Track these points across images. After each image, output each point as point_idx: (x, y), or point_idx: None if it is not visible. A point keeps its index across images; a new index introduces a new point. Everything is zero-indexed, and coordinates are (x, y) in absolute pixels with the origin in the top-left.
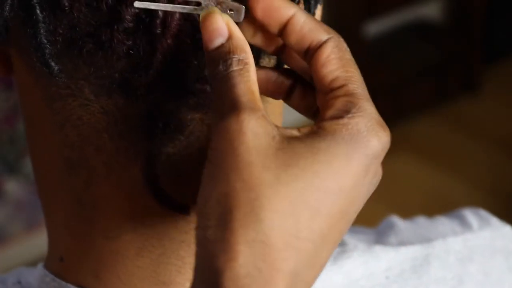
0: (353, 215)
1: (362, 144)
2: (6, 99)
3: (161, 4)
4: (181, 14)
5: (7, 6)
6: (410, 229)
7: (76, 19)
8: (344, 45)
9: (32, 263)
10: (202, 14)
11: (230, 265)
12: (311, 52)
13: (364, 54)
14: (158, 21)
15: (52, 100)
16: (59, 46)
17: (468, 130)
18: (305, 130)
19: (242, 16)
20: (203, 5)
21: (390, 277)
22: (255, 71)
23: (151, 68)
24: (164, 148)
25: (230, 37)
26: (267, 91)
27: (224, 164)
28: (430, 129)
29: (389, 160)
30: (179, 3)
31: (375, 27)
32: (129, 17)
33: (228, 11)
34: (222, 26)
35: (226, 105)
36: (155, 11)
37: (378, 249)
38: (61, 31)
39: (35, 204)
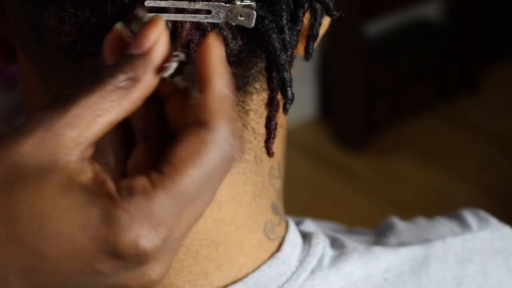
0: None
1: (111, 232)
2: (7, 100)
3: (172, 14)
4: (191, 23)
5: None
6: (410, 230)
7: (80, 22)
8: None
9: None
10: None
11: None
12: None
13: (364, 54)
14: (168, 32)
15: (55, 98)
16: (63, 47)
17: (468, 130)
18: (92, 176)
19: (253, 22)
20: (213, 13)
21: (388, 278)
22: (134, 103)
23: None
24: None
25: (145, 54)
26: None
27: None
28: (430, 129)
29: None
30: (189, 13)
31: (375, 27)
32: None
33: (239, 17)
34: (152, 39)
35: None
36: (165, 21)
37: (378, 250)
38: (65, 32)
39: None
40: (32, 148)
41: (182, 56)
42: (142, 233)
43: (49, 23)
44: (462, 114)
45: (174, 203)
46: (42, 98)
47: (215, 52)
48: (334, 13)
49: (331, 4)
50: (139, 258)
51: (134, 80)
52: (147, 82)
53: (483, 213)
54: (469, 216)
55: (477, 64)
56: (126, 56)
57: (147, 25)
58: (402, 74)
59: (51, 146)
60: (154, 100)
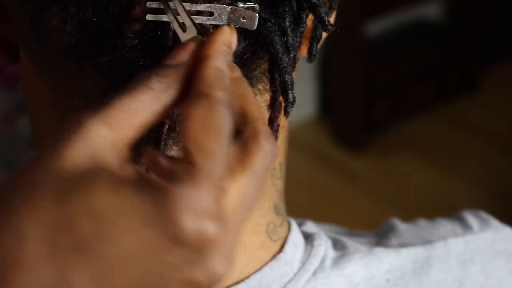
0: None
1: (171, 219)
2: (7, 100)
3: (174, 15)
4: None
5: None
6: (411, 231)
7: (82, 23)
8: (224, 110)
9: None
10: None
11: None
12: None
13: (364, 54)
14: (170, 34)
15: (57, 98)
16: (64, 47)
17: (468, 130)
18: (135, 172)
19: (256, 24)
20: (215, 14)
21: (390, 279)
22: (165, 108)
23: None
24: (169, 151)
25: (178, 66)
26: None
27: (43, 147)
28: (430, 129)
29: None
30: (192, 14)
31: (375, 27)
32: (132, 35)
33: (242, 19)
34: (184, 52)
35: (100, 107)
36: (167, 23)
37: (379, 251)
38: (68, 32)
39: None
40: (76, 154)
41: None
42: (201, 219)
43: (51, 23)
44: (462, 114)
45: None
46: (44, 98)
47: (224, 34)
48: (329, 27)
49: (326, 19)
50: (203, 243)
51: (166, 86)
52: (178, 89)
53: (484, 214)
54: (470, 217)
55: (477, 64)
56: (163, 65)
57: (186, 42)
58: (402, 74)
59: (92, 150)
60: None
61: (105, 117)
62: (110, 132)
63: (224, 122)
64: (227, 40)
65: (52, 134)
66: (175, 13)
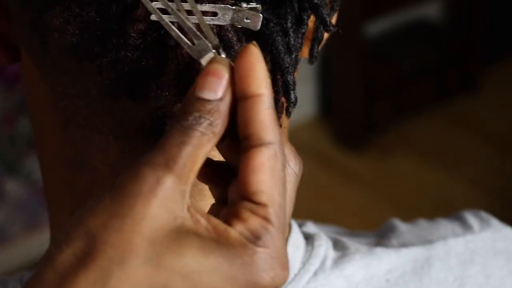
0: None
1: (253, 278)
2: (7, 99)
3: (178, 15)
4: (196, 25)
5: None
6: (411, 232)
7: (85, 22)
8: (281, 157)
9: (32, 263)
10: (213, 57)
11: None
12: (247, 144)
13: (364, 54)
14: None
15: (58, 98)
16: (66, 47)
17: (468, 130)
18: (211, 227)
19: (259, 24)
20: (219, 15)
21: (390, 279)
22: (213, 145)
23: (162, 76)
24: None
25: (221, 99)
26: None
27: (116, 206)
28: (430, 129)
29: (389, 160)
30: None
31: (375, 27)
32: (135, 34)
33: (245, 20)
34: (223, 83)
35: (163, 154)
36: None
37: (380, 251)
38: (70, 32)
39: (35, 204)
40: (157, 212)
41: None
42: (277, 273)
43: (53, 23)
44: (462, 114)
45: (282, 232)
46: (44, 98)
47: (258, 57)
48: (331, 28)
49: (328, 19)
50: None
51: (215, 126)
52: (224, 127)
53: (484, 214)
54: (470, 217)
55: (477, 64)
56: (200, 98)
57: (217, 64)
58: (402, 74)
59: (169, 206)
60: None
61: (176, 169)
62: (180, 185)
63: (285, 172)
64: (263, 66)
65: (121, 180)
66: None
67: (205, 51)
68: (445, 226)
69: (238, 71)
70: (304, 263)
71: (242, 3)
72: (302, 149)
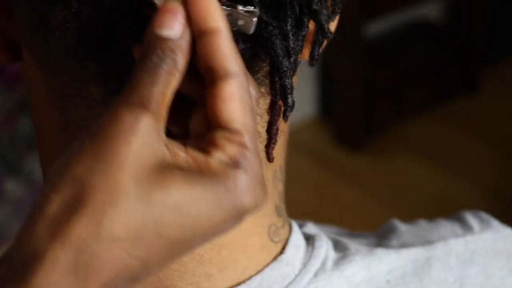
0: (196, 247)
1: (237, 200)
2: (7, 100)
3: None
4: None
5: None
6: (411, 232)
7: (85, 20)
8: (246, 86)
9: None
10: None
11: (49, 257)
12: (214, 77)
13: (364, 54)
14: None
15: (59, 98)
16: (67, 46)
17: (468, 130)
18: (190, 158)
19: (252, 28)
20: None
21: (391, 280)
22: (179, 81)
23: None
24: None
25: (181, 36)
26: None
27: (99, 149)
28: (430, 129)
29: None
30: None
31: (375, 27)
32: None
33: (239, 23)
34: (180, 19)
35: (136, 96)
36: None
37: (380, 252)
38: (70, 31)
39: None
40: (138, 151)
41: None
42: (257, 193)
43: (54, 22)
44: (462, 114)
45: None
46: (45, 98)
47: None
48: (329, 35)
49: (326, 26)
50: (254, 212)
51: (178, 61)
52: (186, 62)
53: (484, 215)
54: (470, 218)
55: (477, 64)
56: (161, 37)
57: (172, 2)
58: (402, 74)
59: (148, 143)
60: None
61: (151, 108)
62: (156, 122)
63: (252, 99)
64: (216, 1)
65: (99, 124)
66: None
67: None
68: (445, 226)
69: (193, 8)
70: (305, 264)
71: (238, 6)
72: (302, 149)
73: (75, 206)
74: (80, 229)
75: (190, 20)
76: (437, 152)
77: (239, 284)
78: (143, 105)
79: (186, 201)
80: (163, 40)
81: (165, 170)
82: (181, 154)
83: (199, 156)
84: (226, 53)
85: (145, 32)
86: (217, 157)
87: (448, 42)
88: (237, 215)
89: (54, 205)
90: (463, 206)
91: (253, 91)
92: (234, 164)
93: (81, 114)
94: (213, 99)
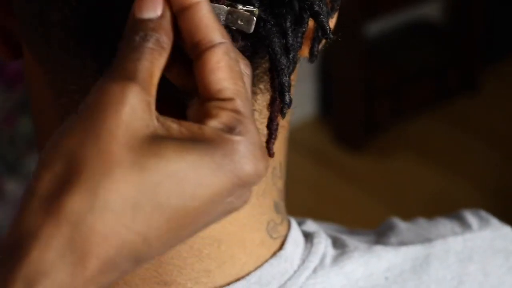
0: (201, 226)
1: (237, 166)
2: (7, 100)
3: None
4: None
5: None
6: (410, 230)
7: (84, 18)
8: (234, 55)
9: None
10: None
11: (44, 231)
12: (199, 50)
13: (364, 54)
14: None
15: (59, 95)
16: (67, 43)
17: (468, 130)
18: (184, 129)
19: (252, 27)
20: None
21: (389, 277)
22: (166, 60)
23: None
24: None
25: (161, 16)
26: None
27: (88, 122)
28: (430, 129)
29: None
30: None
31: (375, 27)
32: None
33: (239, 21)
34: (159, 1)
35: (122, 70)
36: None
37: (379, 249)
38: (70, 28)
39: None
40: (129, 121)
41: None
42: (258, 159)
43: (53, 19)
44: (462, 114)
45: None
46: (45, 94)
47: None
48: (331, 36)
49: (328, 27)
50: (257, 181)
51: (163, 41)
52: (171, 40)
53: (483, 213)
54: (469, 216)
55: (477, 64)
56: (144, 19)
57: None
58: (402, 74)
59: (138, 114)
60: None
61: (138, 79)
62: (145, 95)
63: (240, 67)
64: None
65: (87, 100)
66: None
67: None
68: (444, 224)
69: None
70: (304, 260)
71: (237, 5)
72: (302, 149)
73: (67, 179)
74: (73, 202)
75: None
76: (437, 152)
77: (238, 279)
78: (128, 78)
79: (182, 166)
80: (144, 21)
81: (158, 140)
82: (174, 126)
83: (192, 126)
84: (208, 24)
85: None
86: (211, 124)
87: (448, 42)
88: (240, 183)
89: (46, 181)
90: (463, 206)
91: (242, 64)
92: (229, 129)
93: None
94: (201, 72)
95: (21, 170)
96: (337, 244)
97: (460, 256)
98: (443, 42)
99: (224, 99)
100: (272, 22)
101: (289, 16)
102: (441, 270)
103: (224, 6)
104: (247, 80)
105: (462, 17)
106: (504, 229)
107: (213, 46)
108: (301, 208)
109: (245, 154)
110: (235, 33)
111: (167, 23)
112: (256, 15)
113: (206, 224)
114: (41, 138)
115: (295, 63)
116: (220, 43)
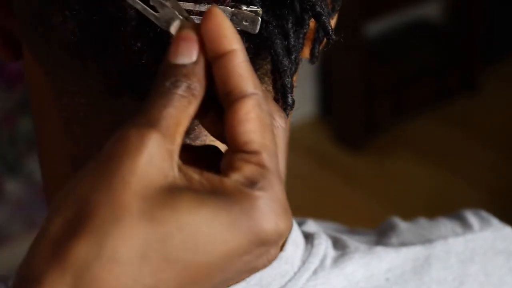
0: (217, 283)
1: (255, 223)
2: (7, 100)
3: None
4: None
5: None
6: (411, 230)
7: (84, 20)
8: (265, 106)
9: None
10: (181, 24)
11: (47, 277)
12: (230, 99)
13: (364, 54)
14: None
15: (59, 95)
16: (67, 44)
17: (468, 130)
18: (205, 180)
19: (258, 27)
20: None
21: (390, 278)
22: (196, 108)
23: None
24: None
25: (196, 62)
26: None
27: (103, 168)
28: (430, 129)
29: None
30: (194, 15)
31: (375, 27)
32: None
33: (244, 22)
34: (195, 47)
35: (146, 116)
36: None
37: (379, 250)
38: (70, 30)
39: (35, 204)
40: (146, 169)
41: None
42: (280, 218)
43: (54, 20)
44: (462, 114)
45: (279, 177)
46: (46, 96)
47: (221, 17)
48: (333, 37)
49: (330, 28)
50: (279, 241)
51: (194, 88)
52: (203, 89)
53: (484, 214)
54: (470, 217)
55: (477, 64)
56: (176, 64)
57: (187, 30)
58: (402, 74)
59: (157, 163)
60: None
61: (159, 127)
62: (166, 143)
63: (272, 120)
64: (230, 24)
65: (106, 146)
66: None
67: (172, 19)
68: (445, 225)
69: (207, 32)
70: (304, 262)
71: (241, 6)
72: (302, 149)
73: (76, 225)
74: (80, 249)
75: (205, 46)
76: (436, 151)
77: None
78: (150, 124)
79: (195, 220)
80: (178, 66)
81: (175, 191)
82: (196, 176)
83: (214, 177)
84: (241, 73)
85: (146, 29)
86: (233, 177)
87: (448, 42)
88: (257, 241)
89: (56, 225)
90: (463, 206)
91: (278, 117)
92: (251, 184)
93: (81, 111)
94: (229, 122)
95: (21, 170)
96: (338, 245)
97: (461, 257)
98: (443, 42)
99: (249, 152)
100: (274, 24)
101: (290, 17)
102: (442, 271)
103: (229, 8)
104: (281, 133)
105: (462, 17)
106: (505, 229)
107: (244, 96)
108: (301, 208)
109: (265, 210)
110: (240, 35)
111: (200, 70)
112: (261, 16)
113: (224, 282)
114: (41, 138)
115: (297, 64)
116: (252, 94)
